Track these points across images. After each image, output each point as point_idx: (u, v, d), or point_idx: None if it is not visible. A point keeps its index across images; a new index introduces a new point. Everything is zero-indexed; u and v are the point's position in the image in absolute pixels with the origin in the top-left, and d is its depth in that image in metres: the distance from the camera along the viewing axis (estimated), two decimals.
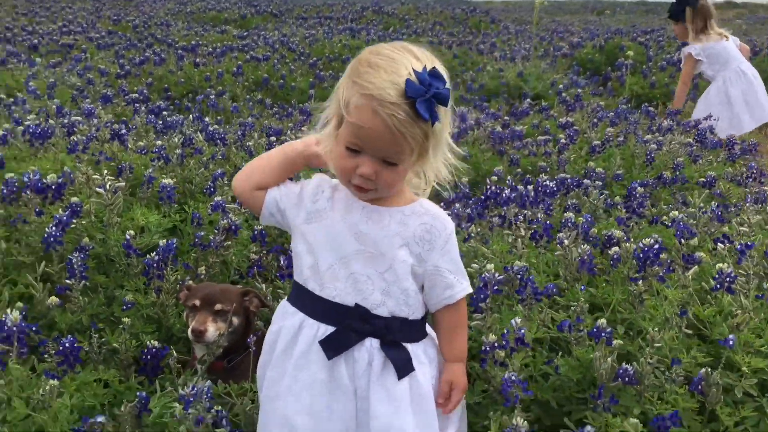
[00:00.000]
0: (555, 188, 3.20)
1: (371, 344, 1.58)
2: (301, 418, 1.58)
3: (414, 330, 1.65)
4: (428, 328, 1.72)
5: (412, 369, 1.60)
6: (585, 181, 3.52)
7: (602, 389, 1.86)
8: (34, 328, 2.21)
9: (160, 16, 13.64)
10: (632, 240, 2.53)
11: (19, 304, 2.29)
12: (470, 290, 1.68)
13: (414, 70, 1.42)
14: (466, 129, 4.81)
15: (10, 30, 10.03)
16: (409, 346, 1.62)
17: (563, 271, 2.46)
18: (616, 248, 2.46)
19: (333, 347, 1.56)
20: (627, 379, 1.92)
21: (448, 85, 1.46)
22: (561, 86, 7.34)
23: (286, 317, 1.66)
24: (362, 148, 1.47)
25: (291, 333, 1.63)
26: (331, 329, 1.58)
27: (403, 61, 1.45)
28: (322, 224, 1.60)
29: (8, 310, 2.13)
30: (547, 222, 2.70)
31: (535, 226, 2.66)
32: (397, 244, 1.58)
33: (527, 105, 6.05)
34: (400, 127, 1.41)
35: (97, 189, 2.91)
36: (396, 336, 1.60)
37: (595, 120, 5.14)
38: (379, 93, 1.41)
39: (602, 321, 2.00)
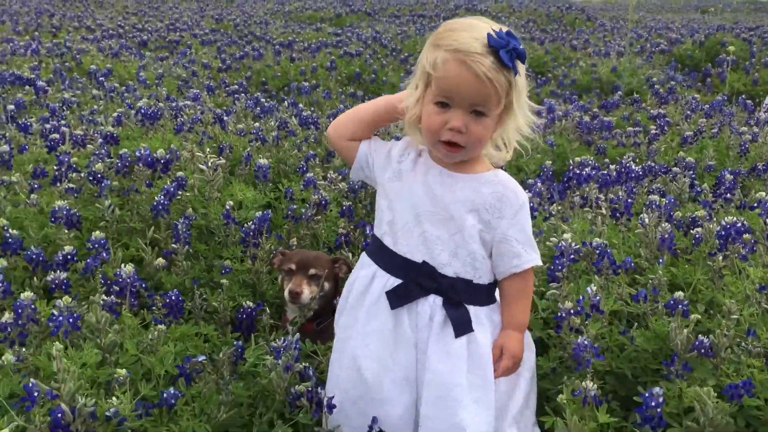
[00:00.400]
0: (640, 173, 3.19)
1: (434, 301, 1.67)
2: (367, 362, 1.70)
3: (479, 293, 1.72)
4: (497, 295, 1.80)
5: (470, 329, 1.67)
6: (674, 168, 3.49)
7: (676, 356, 1.89)
8: (144, 285, 2.44)
9: (259, 15, 14.15)
10: (715, 221, 2.51)
11: (131, 264, 2.52)
12: (539, 262, 1.73)
13: (492, 29, 1.54)
14: (554, 119, 4.81)
15: (122, 27, 10.70)
16: (472, 308, 1.69)
17: (644, 251, 2.48)
18: (698, 228, 2.46)
19: (397, 298, 1.67)
20: (703, 350, 1.94)
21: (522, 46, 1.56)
22: (655, 80, 7.18)
23: (363, 268, 1.78)
24: (451, 100, 1.57)
25: (364, 283, 1.75)
26: (399, 282, 1.68)
27: (481, 24, 1.57)
28: (404, 183, 1.71)
29: (122, 265, 2.37)
30: (628, 200, 2.72)
31: (615, 205, 2.68)
32: (466, 209, 1.66)
33: (618, 97, 5.97)
34: (487, 73, 1.51)
35: (200, 166, 3.14)
36: (460, 297, 1.67)
37: (689, 112, 5.03)
38: (464, 46, 1.52)
39: (679, 293, 2.02)
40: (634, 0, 6.99)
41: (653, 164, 3.58)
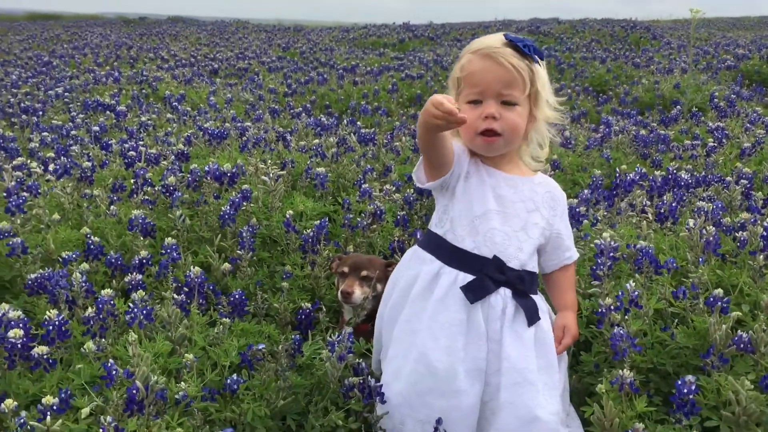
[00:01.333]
0: (690, 181, 3.22)
1: (505, 293, 1.78)
2: (437, 354, 1.78)
3: (535, 283, 1.86)
4: None
5: (539, 318, 1.80)
6: (727, 178, 3.49)
7: (712, 348, 1.94)
8: (211, 287, 2.63)
9: (324, 43, 14.57)
10: (759, 224, 2.53)
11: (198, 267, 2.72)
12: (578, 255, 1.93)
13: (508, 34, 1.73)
14: (610, 134, 4.85)
15: (194, 57, 11.22)
16: (533, 297, 1.82)
17: (690, 254, 2.52)
18: (744, 232, 2.49)
19: (474, 292, 1.76)
20: (742, 345, 1.98)
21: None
22: (718, 95, 7.09)
23: (424, 263, 1.87)
24: (482, 93, 1.72)
25: (429, 278, 1.84)
26: (469, 277, 1.78)
27: (498, 35, 1.75)
28: (470, 184, 1.83)
29: (192, 267, 2.57)
30: (673, 204, 2.76)
31: (661, 209, 2.73)
32: (529, 208, 1.82)
33: (676, 112, 5.93)
34: (510, 59, 1.67)
35: (263, 177, 3.35)
36: (525, 287, 1.80)
37: (748, 124, 4.99)
38: (485, 43, 1.71)
39: (718, 290, 2.07)
40: (697, 15, 6.92)
41: (707, 175, 3.59)
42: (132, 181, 3.44)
